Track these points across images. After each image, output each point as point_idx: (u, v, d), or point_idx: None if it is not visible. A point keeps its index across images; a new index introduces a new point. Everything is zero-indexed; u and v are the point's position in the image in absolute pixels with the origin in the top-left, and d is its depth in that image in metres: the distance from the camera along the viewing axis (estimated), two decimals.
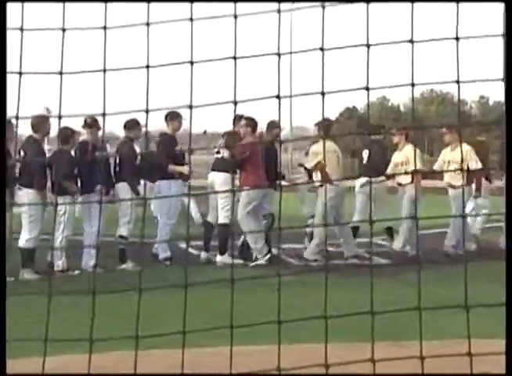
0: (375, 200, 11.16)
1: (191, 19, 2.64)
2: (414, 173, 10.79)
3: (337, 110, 69.96)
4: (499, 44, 2.81)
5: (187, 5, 2.70)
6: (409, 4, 2.83)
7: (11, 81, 2.70)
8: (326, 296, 2.85)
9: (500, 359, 2.80)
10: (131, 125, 10.76)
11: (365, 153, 12.23)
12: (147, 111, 2.61)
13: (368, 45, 2.68)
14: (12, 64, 2.71)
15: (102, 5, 2.76)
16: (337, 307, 2.89)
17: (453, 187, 11.34)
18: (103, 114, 2.67)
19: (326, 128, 11.08)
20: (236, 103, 2.62)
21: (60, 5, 2.72)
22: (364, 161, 12.27)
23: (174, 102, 3.61)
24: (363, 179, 11.82)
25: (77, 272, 9.93)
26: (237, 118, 10.99)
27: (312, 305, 4.41)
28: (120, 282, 8.83)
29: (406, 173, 11.76)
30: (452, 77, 2.89)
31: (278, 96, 2.65)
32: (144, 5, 2.73)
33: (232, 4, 2.72)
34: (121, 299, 5.75)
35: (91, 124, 10.28)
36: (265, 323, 2.92)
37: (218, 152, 11.20)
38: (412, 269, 8.86)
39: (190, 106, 2.64)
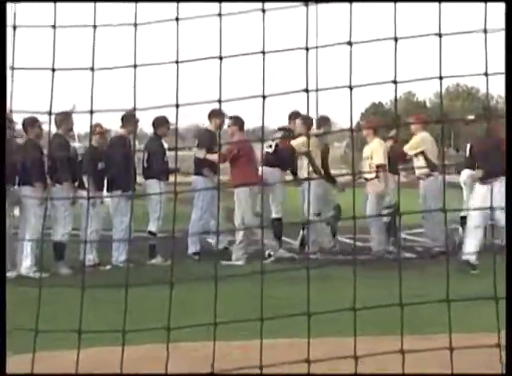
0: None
1: (219, 15, 2.66)
2: (379, 167, 10.71)
3: (363, 106, 69.44)
4: None
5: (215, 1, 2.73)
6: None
7: (44, 77, 2.74)
8: (355, 289, 2.86)
9: None
10: (160, 123, 10.81)
11: (467, 147, 11.98)
12: (177, 106, 2.63)
13: (395, 39, 2.69)
14: (45, 61, 2.75)
15: (131, 2, 2.80)
16: (359, 301, 2.90)
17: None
18: (133, 109, 2.70)
19: (308, 125, 11.20)
20: (264, 97, 2.64)
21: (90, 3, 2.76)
22: (467, 155, 12.03)
23: (202, 97, 3.64)
24: (467, 172, 11.61)
25: (108, 267, 10.03)
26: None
27: (338, 299, 4.42)
28: (150, 276, 8.90)
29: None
30: (477, 71, 2.88)
31: (306, 90, 2.66)
32: (173, 1, 2.76)
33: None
34: (149, 293, 5.82)
35: (129, 119, 10.27)
36: (295, 315, 2.93)
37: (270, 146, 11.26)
38: (437, 262, 8.86)
39: (219, 101, 2.67)
